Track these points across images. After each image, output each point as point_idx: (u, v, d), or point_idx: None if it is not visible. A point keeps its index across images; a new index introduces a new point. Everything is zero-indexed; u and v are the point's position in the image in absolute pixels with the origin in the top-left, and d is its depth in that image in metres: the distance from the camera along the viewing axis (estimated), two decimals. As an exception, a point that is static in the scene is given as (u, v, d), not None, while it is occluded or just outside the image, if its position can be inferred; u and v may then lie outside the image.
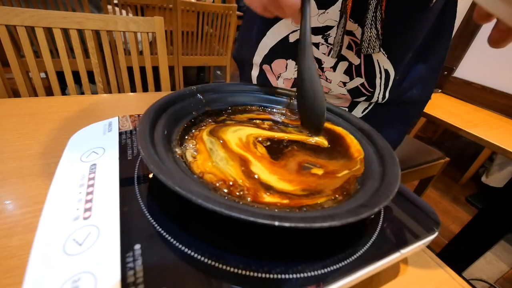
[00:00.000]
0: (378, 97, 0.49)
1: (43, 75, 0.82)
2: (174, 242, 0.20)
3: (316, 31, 0.45)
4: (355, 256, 0.22)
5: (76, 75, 0.86)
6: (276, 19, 0.48)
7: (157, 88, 0.96)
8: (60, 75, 0.83)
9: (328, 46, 0.46)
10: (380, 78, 0.47)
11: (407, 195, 0.30)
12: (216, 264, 0.19)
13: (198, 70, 2.85)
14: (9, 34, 0.75)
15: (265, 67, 0.54)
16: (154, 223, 0.21)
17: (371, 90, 0.48)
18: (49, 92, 0.84)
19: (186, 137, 0.30)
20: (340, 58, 0.46)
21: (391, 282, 0.29)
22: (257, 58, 0.55)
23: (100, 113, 0.53)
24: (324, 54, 0.47)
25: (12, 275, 0.23)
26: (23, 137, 0.41)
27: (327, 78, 0.49)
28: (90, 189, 0.24)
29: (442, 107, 1.03)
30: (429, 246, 0.30)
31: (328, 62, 0.47)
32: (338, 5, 0.41)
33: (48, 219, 0.22)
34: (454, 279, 0.30)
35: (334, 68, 0.48)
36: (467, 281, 1.22)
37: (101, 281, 0.17)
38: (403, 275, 0.30)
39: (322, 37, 0.45)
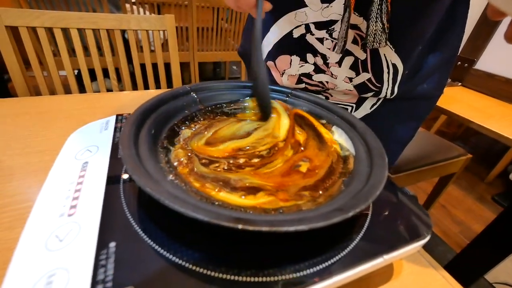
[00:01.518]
0: (386, 93, 0.47)
1: (63, 73, 0.86)
2: (149, 241, 0.20)
3: (320, 25, 0.43)
4: (333, 260, 0.21)
5: (93, 72, 0.90)
6: (280, 14, 0.47)
7: (170, 84, 0.98)
8: (80, 73, 0.87)
9: (332, 41, 0.44)
10: (388, 73, 0.45)
11: (400, 196, 0.28)
12: (186, 265, 0.19)
13: (214, 65, 2.87)
14: (34, 35, 0.79)
15: (269, 63, 0.54)
16: (132, 221, 0.22)
17: (379, 85, 0.46)
18: (68, 90, 0.88)
19: (176, 137, 0.30)
20: (346, 53, 0.45)
21: (382, 287, 0.28)
22: None
23: (108, 111, 0.55)
24: (329, 49, 0.45)
25: (9, 266, 0.25)
26: (33, 134, 0.43)
27: (332, 74, 0.48)
28: (78, 187, 0.25)
29: (462, 101, 0.96)
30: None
31: (333, 57, 0.46)
32: None
33: (37, 215, 0.23)
34: (451, 285, 0.29)
35: (339, 63, 0.46)
36: (491, 284, 1.15)
37: (73, 277, 0.18)
38: (396, 279, 0.29)
39: (326, 32, 0.44)
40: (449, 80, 1.17)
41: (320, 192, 0.25)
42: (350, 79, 0.47)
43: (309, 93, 0.40)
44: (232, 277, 0.19)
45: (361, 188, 0.22)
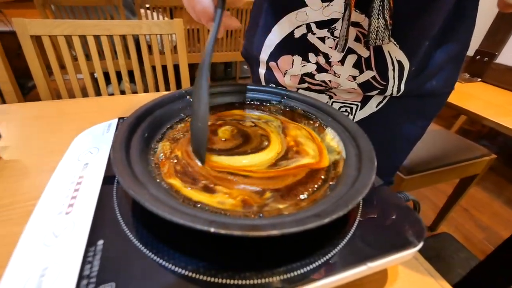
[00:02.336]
0: (392, 90, 0.46)
1: (80, 76, 0.91)
2: (134, 240, 0.21)
3: (321, 24, 0.43)
4: (313, 265, 0.21)
5: (109, 76, 0.95)
6: (281, 14, 0.47)
7: (179, 86, 1.01)
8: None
9: (334, 40, 0.44)
10: (393, 70, 0.44)
11: (394, 201, 0.28)
12: (166, 264, 0.20)
13: (225, 65, 2.91)
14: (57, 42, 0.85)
15: (272, 64, 0.54)
16: (121, 220, 0.23)
17: (384, 83, 0.45)
18: (85, 93, 0.93)
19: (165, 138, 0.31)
20: (348, 51, 0.44)
21: (373, 293, 0.27)
22: (264, 55, 0.54)
23: (117, 113, 0.57)
24: (331, 48, 0.45)
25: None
26: (47, 136, 0.46)
27: (335, 73, 0.47)
28: (77, 186, 0.27)
29: (481, 98, 0.90)
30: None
31: (336, 56, 0.45)
32: None
33: (38, 212, 0.25)
34: (449, 294, 0.28)
35: (342, 62, 0.45)
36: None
37: (62, 272, 0.19)
38: (391, 287, 0.28)
39: (328, 31, 0.43)
40: (468, 75, 1.10)
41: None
42: (354, 78, 0.46)
43: (304, 95, 0.40)
44: (209, 279, 0.19)
45: (344, 193, 0.22)
